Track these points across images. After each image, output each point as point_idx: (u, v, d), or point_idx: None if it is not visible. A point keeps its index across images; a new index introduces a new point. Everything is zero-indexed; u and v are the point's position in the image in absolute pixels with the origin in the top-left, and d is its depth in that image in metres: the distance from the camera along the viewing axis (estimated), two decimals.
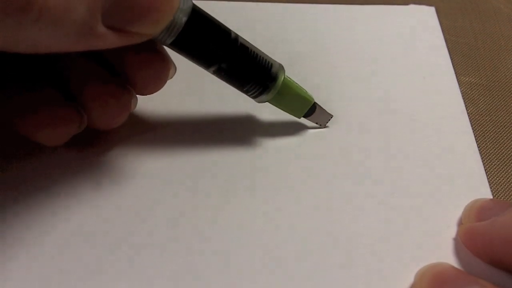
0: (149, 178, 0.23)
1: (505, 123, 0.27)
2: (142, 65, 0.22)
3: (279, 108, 0.24)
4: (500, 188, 0.24)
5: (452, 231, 0.22)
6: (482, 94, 0.29)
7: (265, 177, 0.24)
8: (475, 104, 0.28)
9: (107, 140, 0.25)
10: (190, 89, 0.27)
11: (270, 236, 0.22)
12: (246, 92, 0.23)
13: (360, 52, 0.29)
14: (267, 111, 0.26)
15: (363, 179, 0.24)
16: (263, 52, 0.23)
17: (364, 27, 0.31)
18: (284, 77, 0.23)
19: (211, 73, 0.22)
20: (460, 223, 0.22)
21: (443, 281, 0.19)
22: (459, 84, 0.28)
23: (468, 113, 0.27)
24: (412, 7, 0.32)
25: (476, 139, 0.26)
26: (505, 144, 0.26)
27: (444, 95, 0.27)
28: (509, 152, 0.26)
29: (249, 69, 0.22)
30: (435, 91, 0.28)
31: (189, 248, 0.21)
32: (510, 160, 0.26)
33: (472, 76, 0.29)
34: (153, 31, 0.19)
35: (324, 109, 0.25)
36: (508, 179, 0.25)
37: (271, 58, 0.23)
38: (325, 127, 0.26)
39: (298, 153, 0.25)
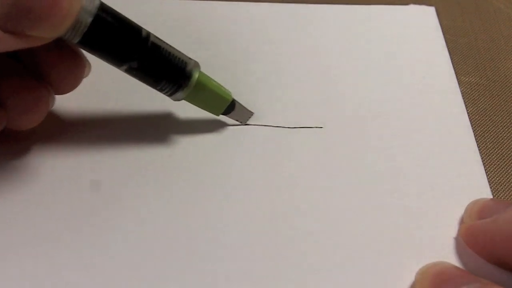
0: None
1: (505, 123, 0.27)
2: (55, 63, 0.22)
3: (196, 106, 0.24)
4: (500, 188, 0.24)
5: (452, 230, 0.22)
6: (482, 94, 0.29)
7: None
8: (475, 104, 0.28)
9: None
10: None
11: (268, 237, 0.22)
12: (160, 90, 0.23)
13: (360, 52, 0.29)
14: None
15: (363, 179, 0.24)
16: (178, 50, 0.23)
17: (364, 27, 0.31)
18: (198, 75, 0.23)
19: (123, 71, 0.22)
20: (461, 223, 0.22)
21: (444, 280, 0.19)
22: (459, 84, 0.28)
23: (468, 113, 0.27)
24: (412, 7, 0.32)
25: (476, 139, 0.26)
26: (505, 144, 0.26)
27: (444, 95, 0.27)
28: (509, 152, 0.26)
29: (161, 67, 0.22)
30: (435, 91, 0.28)
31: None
32: (510, 160, 0.26)
33: (472, 76, 0.29)
34: (52, 35, 0.19)
35: (244, 106, 0.25)
36: (508, 179, 0.25)
37: (186, 56, 0.23)
38: (246, 124, 0.26)
39: (294, 152, 0.25)
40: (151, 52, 0.22)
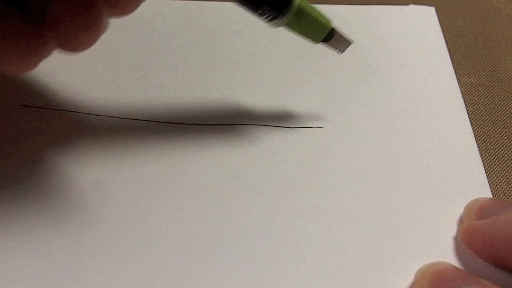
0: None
1: (505, 123, 0.27)
2: (64, 9, 0.19)
3: (294, 33, 0.24)
4: (500, 188, 0.24)
5: (452, 230, 0.22)
6: (482, 94, 0.29)
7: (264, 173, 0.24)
8: (475, 104, 0.28)
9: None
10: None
11: (267, 237, 0.22)
12: (261, 15, 0.22)
13: (360, 52, 0.29)
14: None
15: (363, 179, 0.24)
16: None
17: (364, 27, 0.31)
18: (299, 1, 0.22)
19: None
20: (461, 223, 0.22)
21: (443, 280, 0.19)
22: (459, 84, 0.28)
23: (468, 113, 0.27)
24: (412, 7, 0.32)
25: (476, 139, 0.26)
26: (505, 144, 0.26)
27: (444, 95, 0.27)
28: (509, 152, 0.26)
29: None
30: (435, 91, 0.28)
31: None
32: (511, 160, 0.26)
33: (472, 76, 0.29)
34: None
35: (342, 35, 0.24)
36: (508, 179, 0.25)
37: None
38: (343, 51, 0.25)
39: (294, 152, 0.25)
40: None
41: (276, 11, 0.22)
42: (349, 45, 0.25)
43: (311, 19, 0.23)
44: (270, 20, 0.23)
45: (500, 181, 0.25)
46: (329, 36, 0.24)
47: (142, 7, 0.32)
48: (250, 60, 0.29)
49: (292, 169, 0.24)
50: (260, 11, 0.22)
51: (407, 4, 0.32)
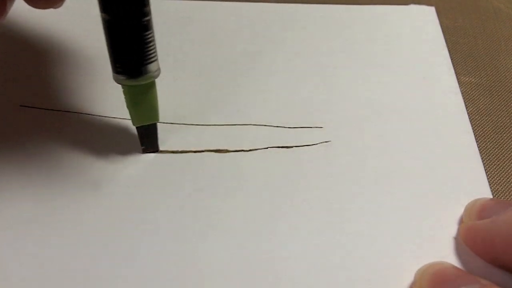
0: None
1: (505, 123, 0.27)
2: None
3: (126, 101, 0.22)
4: (500, 188, 0.24)
5: (452, 230, 0.22)
6: (482, 94, 0.29)
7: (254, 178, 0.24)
8: (475, 104, 0.28)
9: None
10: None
11: (268, 237, 0.22)
12: (114, 61, 0.21)
13: (360, 52, 0.29)
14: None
15: (363, 179, 0.24)
16: (155, 48, 0.21)
17: (364, 27, 0.31)
18: (153, 80, 0.22)
19: (102, 20, 0.20)
20: (461, 223, 0.22)
21: (443, 280, 0.19)
22: (459, 84, 0.28)
23: (468, 113, 0.27)
24: (412, 7, 0.32)
25: (476, 139, 0.26)
26: (505, 144, 0.26)
27: (444, 95, 0.27)
28: (509, 152, 0.26)
29: (135, 43, 0.20)
30: (435, 91, 0.28)
31: None
32: (510, 161, 0.26)
33: (472, 76, 0.29)
34: None
35: (157, 137, 0.24)
36: (508, 179, 0.25)
37: (157, 58, 0.21)
38: (144, 152, 0.24)
39: (293, 152, 0.25)
40: (140, 26, 0.20)
41: (130, 69, 0.21)
42: (155, 152, 0.24)
43: (150, 102, 0.22)
44: (116, 72, 0.21)
45: (500, 181, 0.25)
46: (149, 130, 0.24)
47: None
48: (250, 60, 0.29)
49: (292, 169, 0.24)
50: (119, 58, 0.21)
51: (407, 4, 0.32)
